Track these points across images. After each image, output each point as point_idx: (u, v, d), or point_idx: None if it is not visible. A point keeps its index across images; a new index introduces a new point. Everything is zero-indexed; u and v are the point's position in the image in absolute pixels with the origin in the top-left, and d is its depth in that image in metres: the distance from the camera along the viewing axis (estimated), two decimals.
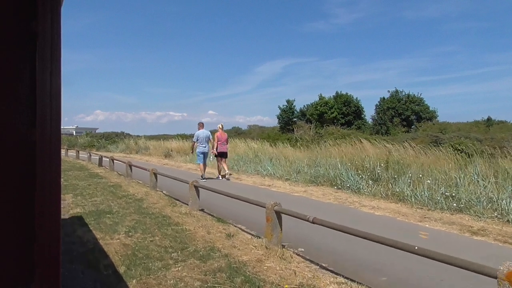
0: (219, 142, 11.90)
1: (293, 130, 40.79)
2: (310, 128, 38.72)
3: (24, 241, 0.90)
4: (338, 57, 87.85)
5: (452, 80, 67.93)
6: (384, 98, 39.77)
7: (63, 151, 24.02)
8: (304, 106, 48.31)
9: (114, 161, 13.77)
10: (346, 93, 43.72)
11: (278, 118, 48.35)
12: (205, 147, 11.79)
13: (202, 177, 11.51)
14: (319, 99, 44.31)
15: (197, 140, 11.85)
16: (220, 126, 12.57)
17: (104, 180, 10.93)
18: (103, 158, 15.60)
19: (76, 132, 53.86)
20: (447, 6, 73.12)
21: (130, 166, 11.15)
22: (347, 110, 43.32)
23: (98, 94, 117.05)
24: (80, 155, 20.24)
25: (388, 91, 41.04)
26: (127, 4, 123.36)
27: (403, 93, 39.68)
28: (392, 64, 77.53)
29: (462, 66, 67.82)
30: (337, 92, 44.73)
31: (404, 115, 38.03)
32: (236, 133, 50.19)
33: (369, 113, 46.62)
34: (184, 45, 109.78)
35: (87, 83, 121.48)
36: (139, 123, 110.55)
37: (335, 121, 43.44)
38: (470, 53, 67.19)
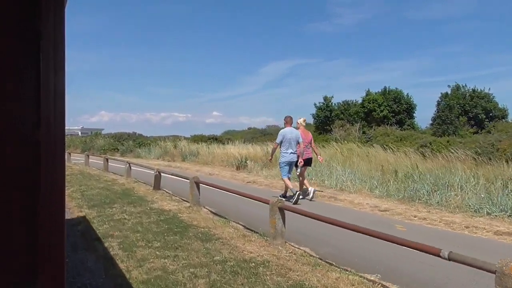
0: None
1: (330, 130, 32.77)
2: (357, 128, 30.48)
3: (28, 242, 0.88)
4: (342, 58, 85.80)
5: (456, 81, 62.71)
6: (447, 93, 32.51)
7: (79, 157, 16.80)
8: (335, 104, 40.26)
9: (200, 185, 6.64)
10: (396, 89, 36.57)
11: (313, 117, 40.40)
12: (292, 153, 7.93)
13: (283, 195, 8.04)
14: (366, 95, 36.90)
15: (281, 142, 7.91)
16: (302, 122, 8.71)
17: (236, 254, 3.47)
18: (158, 173, 8.40)
19: (81, 133, 53.21)
20: (451, 7, 69.09)
21: (282, 210, 3.83)
22: (398, 108, 35.78)
23: (103, 95, 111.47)
24: (109, 164, 12.75)
25: (449, 85, 34.26)
26: (130, 3, 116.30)
27: (467, 88, 32.45)
28: (396, 64, 75.61)
29: (466, 67, 63.44)
30: (385, 88, 37.42)
31: (472, 113, 30.66)
32: (259, 134, 42.44)
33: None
34: (188, 46, 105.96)
35: (91, 84, 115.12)
36: (143, 124, 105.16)
37: (385, 120, 35.46)
38: (475, 54, 63.49)
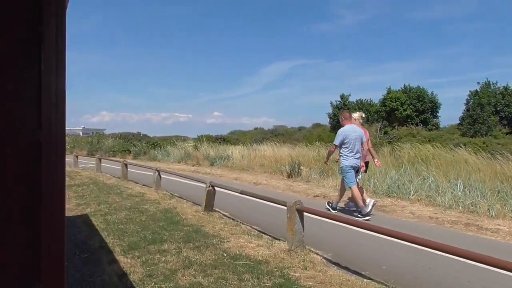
0: None
1: None
2: (377, 128, 27.64)
3: (29, 241, 0.89)
4: (344, 59, 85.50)
5: (459, 83, 66.05)
6: (476, 91, 29.93)
7: (87, 160, 16.97)
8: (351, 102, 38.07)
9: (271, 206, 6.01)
10: (418, 86, 34.00)
11: (329, 116, 38.09)
12: (357, 156, 6.38)
13: (332, 208, 6.62)
14: (387, 93, 34.41)
15: (342, 143, 6.33)
16: (359, 117, 6.90)
17: None
18: (212, 188, 5.82)
19: (83, 133, 51.89)
20: (453, 7, 68.59)
21: None
22: (422, 107, 33.23)
23: (104, 95, 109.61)
24: (129, 170, 9.96)
25: (478, 83, 31.89)
26: (130, 5, 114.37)
27: (497, 85, 29.96)
28: (398, 65, 74.26)
29: (468, 68, 62.94)
30: (405, 86, 34.99)
31: (504, 112, 28.12)
32: (270, 134, 40.66)
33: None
34: (189, 46, 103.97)
35: (92, 85, 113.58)
36: (144, 124, 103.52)
37: (408, 119, 32.86)
38: (477, 55, 62.88)
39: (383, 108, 34.87)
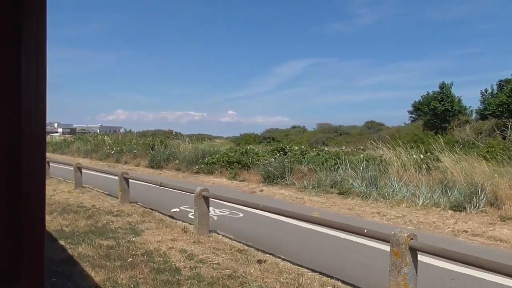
0: None
1: (451, 129, 23.18)
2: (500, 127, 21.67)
3: (8, 240, 0.84)
4: (359, 58, 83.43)
5: (474, 82, 61.08)
6: None
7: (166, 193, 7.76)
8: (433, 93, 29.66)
9: None
10: None
11: (419, 109, 31.71)
12: None
13: None
14: None
15: None
16: None
17: None
18: None
19: (100, 131, 50.51)
20: (471, 7, 64.90)
21: None
22: None
23: (120, 95, 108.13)
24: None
25: None
26: (145, 7, 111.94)
27: None
28: (413, 65, 70.80)
29: (486, 67, 60.71)
30: None
31: None
32: (334, 134, 34.21)
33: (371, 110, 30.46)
34: (205, 46, 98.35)
35: (109, 84, 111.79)
36: (159, 122, 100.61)
37: None
38: (494, 55, 62.73)
39: (508, 99, 25.66)
